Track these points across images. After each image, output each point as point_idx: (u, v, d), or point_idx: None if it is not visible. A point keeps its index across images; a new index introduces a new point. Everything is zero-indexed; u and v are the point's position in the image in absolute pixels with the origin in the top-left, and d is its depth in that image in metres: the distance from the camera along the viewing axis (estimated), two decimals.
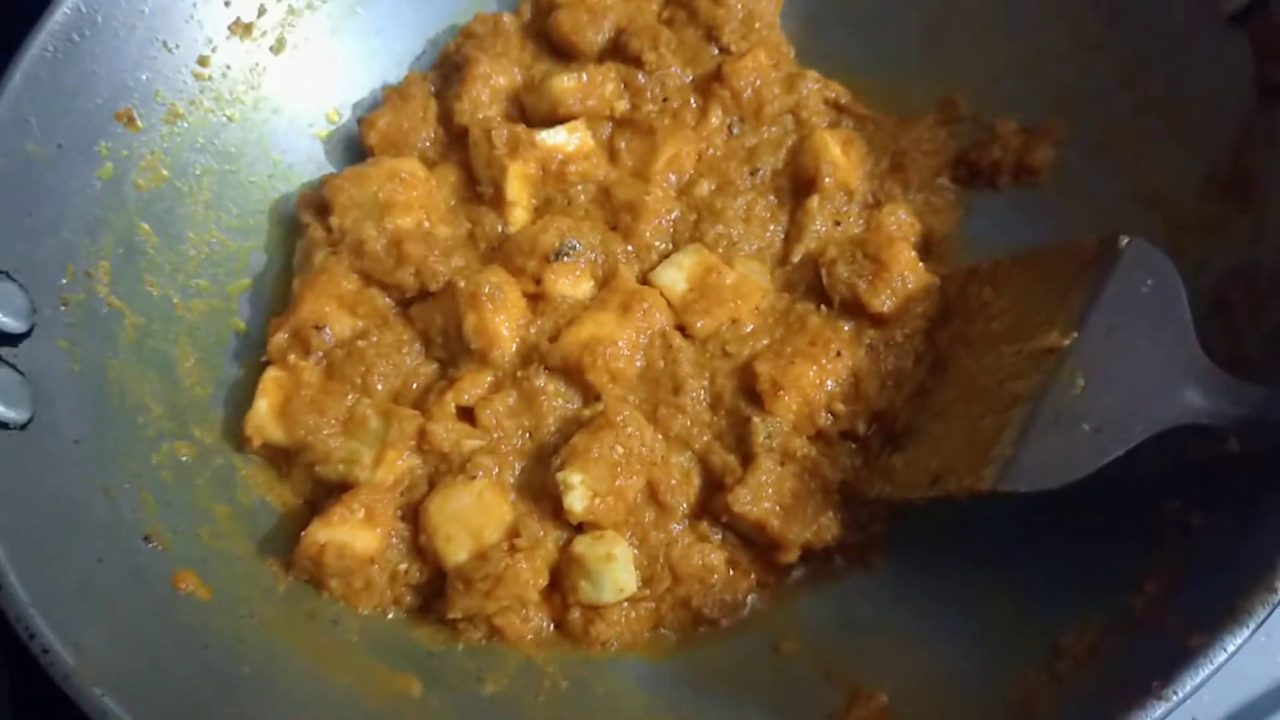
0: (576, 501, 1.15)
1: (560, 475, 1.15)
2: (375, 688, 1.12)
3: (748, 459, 1.18)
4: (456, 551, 1.15)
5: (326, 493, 1.22)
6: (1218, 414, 0.97)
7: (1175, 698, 0.85)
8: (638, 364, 1.23)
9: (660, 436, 1.20)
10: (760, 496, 1.16)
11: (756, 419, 1.19)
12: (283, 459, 1.25)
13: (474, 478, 1.18)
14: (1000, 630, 1.06)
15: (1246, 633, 0.86)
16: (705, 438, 1.21)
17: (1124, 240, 1.08)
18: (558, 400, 1.23)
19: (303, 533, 1.16)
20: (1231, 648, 0.86)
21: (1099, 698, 0.92)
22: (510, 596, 1.13)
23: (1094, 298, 1.07)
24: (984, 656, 1.06)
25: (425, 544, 1.17)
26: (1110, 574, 1.03)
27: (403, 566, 1.18)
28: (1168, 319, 1.02)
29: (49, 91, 1.22)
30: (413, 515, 1.19)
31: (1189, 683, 0.85)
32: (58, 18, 1.23)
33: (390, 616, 1.18)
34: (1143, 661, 0.91)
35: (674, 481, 1.19)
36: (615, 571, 1.14)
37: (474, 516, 1.16)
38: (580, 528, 1.18)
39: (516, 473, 1.21)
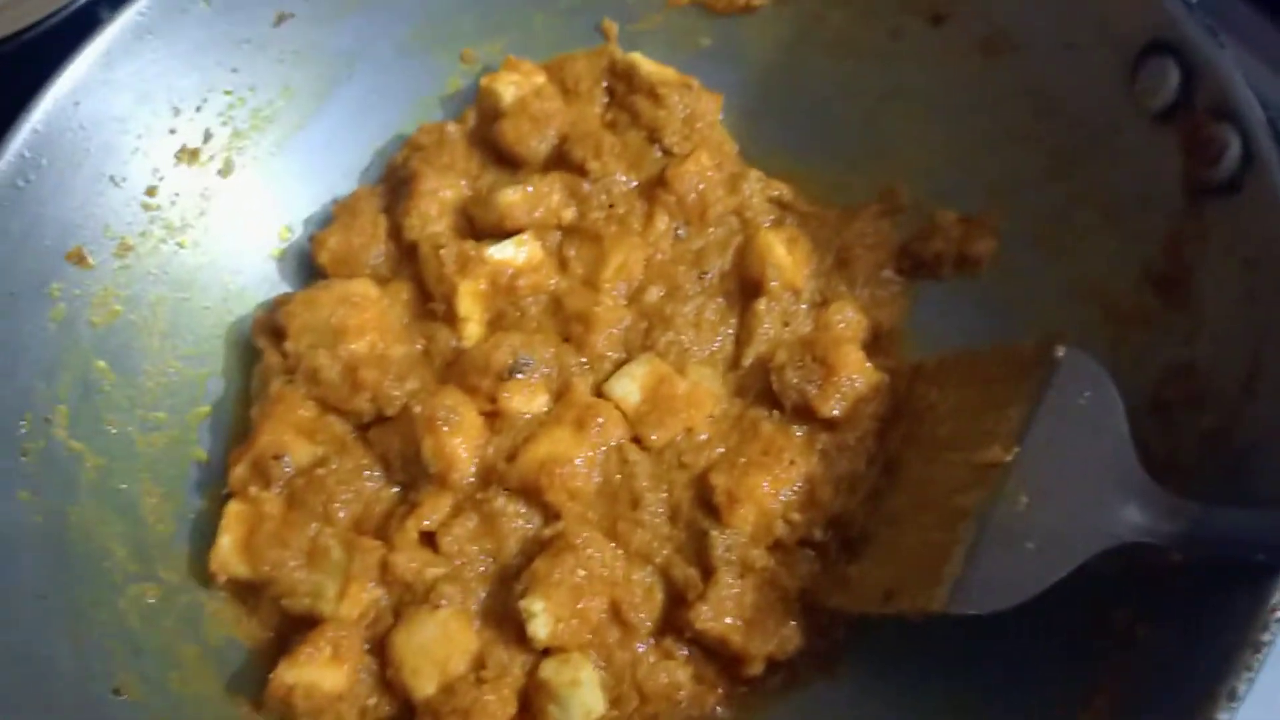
0: (540, 628, 1.16)
1: (523, 603, 1.16)
2: None
3: (708, 572, 1.20)
4: (424, 685, 1.17)
5: (293, 626, 1.23)
6: (1156, 531, 0.99)
7: None
8: (595, 480, 1.25)
9: (621, 554, 1.22)
10: (721, 612, 1.17)
11: (715, 532, 1.21)
12: (249, 593, 1.26)
13: (438, 608, 1.19)
14: None
15: None
16: (665, 552, 1.22)
17: (1060, 350, 1.10)
18: (518, 521, 1.24)
19: (270, 675, 1.17)
20: None
21: None
22: None
23: (1033, 410, 1.09)
24: None
25: (393, 678, 1.18)
26: (1060, 689, 1.05)
27: (371, 701, 1.19)
28: (1105, 432, 1.04)
29: None
30: (379, 648, 1.20)
31: None
32: (1, 166, 1.23)
33: None
34: None
35: (637, 600, 1.20)
36: (582, 695, 1.16)
37: (439, 648, 1.17)
38: (546, 651, 1.19)
39: (481, 599, 1.22)
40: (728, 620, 1.17)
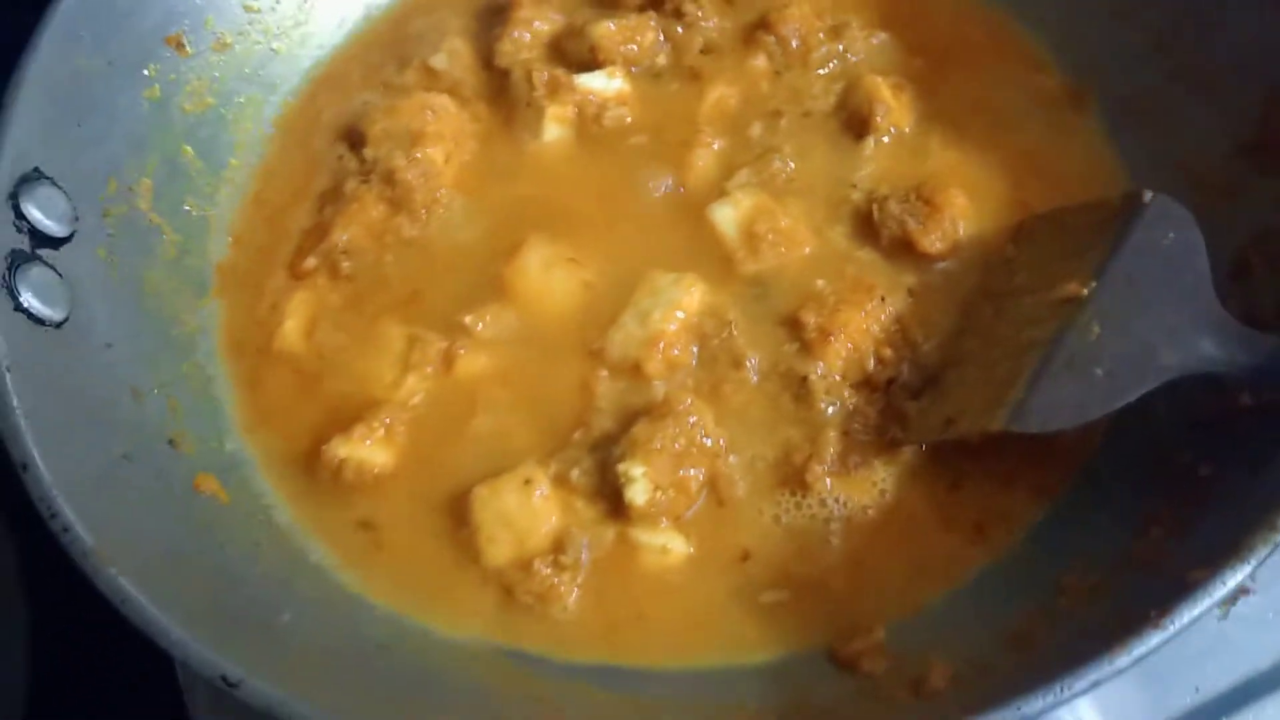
0: (639, 494, 1.12)
1: (621, 467, 1.13)
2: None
3: (813, 429, 1.17)
4: (498, 553, 1.13)
5: (349, 411, 1.23)
6: (1231, 362, 0.98)
7: (1172, 628, 0.85)
8: (693, 350, 1.22)
9: (723, 426, 1.18)
10: (834, 468, 1.14)
11: (813, 375, 1.17)
12: (309, 376, 1.27)
13: (528, 481, 1.15)
14: (1008, 563, 1.09)
15: (1248, 568, 0.86)
16: (765, 412, 1.19)
17: (1148, 195, 1.09)
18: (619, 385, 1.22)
19: (323, 447, 1.18)
20: (1231, 583, 0.86)
21: (1097, 627, 0.92)
22: (553, 609, 1.12)
23: (1115, 249, 1.08)
24: (991, 589, 1.08)
25: (466, 538, 1.15)
26: (1115, 517, 1.05)
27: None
28: (1186, 270, 1.03)
29: (101, 9, 1.25)
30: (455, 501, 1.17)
31: (1187, 614, 0.85)
32: None
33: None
34: (1142, 596, 0.92)
35: (736, 475, 1.16)
36: (668, 563, 1.14)
37: (521, 520, 1.14)
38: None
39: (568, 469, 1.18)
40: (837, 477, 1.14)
